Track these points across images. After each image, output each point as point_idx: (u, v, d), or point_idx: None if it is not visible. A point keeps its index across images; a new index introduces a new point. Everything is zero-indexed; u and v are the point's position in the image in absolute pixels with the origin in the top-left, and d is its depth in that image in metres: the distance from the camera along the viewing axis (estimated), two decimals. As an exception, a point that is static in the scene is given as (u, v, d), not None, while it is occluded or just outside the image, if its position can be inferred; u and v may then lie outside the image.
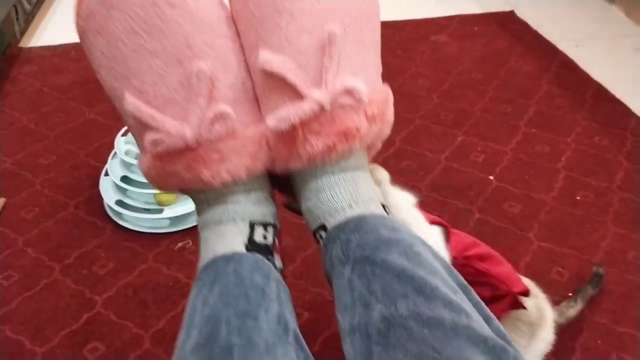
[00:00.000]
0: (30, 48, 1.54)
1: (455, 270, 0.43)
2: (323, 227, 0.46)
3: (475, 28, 1.65)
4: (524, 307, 0.64)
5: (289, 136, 0.45)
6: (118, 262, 0.93)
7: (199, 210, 0.50)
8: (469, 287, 0.42)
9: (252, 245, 0.46)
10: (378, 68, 0.49)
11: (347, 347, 0.40)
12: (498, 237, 0.97)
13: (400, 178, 1.11)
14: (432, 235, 0.59)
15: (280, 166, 0.47)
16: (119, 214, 0.99)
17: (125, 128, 1.04)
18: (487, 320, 0.40)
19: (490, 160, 1.15)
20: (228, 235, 0.46)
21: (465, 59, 1.50)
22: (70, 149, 1.18)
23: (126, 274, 0.91)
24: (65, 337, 0.81)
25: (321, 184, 0.47)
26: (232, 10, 0.47)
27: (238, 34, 0.47)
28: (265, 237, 0.48)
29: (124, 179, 0.98)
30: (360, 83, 0.44)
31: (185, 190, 0.50)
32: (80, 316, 0.84)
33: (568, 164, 1.13)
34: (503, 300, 0.62)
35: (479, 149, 1.18)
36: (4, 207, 1.04)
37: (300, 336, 0.42)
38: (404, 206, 0.59)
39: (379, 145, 0.52)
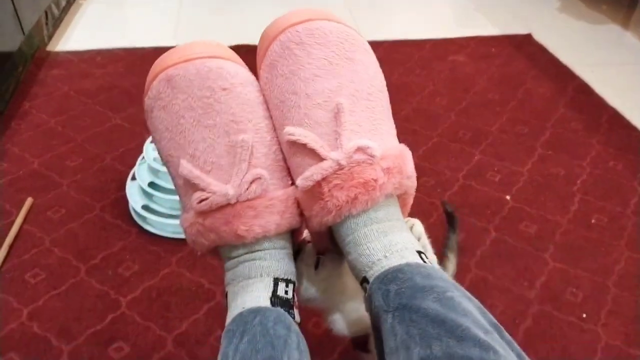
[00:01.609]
0: (58, 52, 1.58)
1: (487, 311, 0.48)
2: (366, 280, 0.53)
3: (493, 49, 1.68)
4: None
5: (317, 193, 0.52)
6: (142, 264, 0.96)
7: (229, 266, 0.57)
8: (500, 326, 0.47)
9: (275, 299, 0.53)
10: (390, 130, 0.56)
11: None
12: (514, 256, 0.99)
13: (418, 194, 1.13)
14: None
15: (315, 222, 0.54)
16: (144, 218, 1.02)
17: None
18: (519, 356, 0.44)
19: (507, 180, 1.17)
20: (255, 289, 0.54)
21: (482, 79, 1.53)
22: (97, 153, 1.21)
23: (150, 276, 0.94)
24: (91, 336, 0.84)
25: (357, 237, 0.53)
26: (263, 95, 0.57)
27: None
28: (286, 292, 0.55)
29: (151, 184, 1.01)
30: (371, 142, 0.52)
31: (219, 247, 0.56)
32: (105, 316, 0.87)
33: (583, 187, 1.16)
34: None
35: (495, 168, 1.20)
36: (31, 207, 1.07)
37: None
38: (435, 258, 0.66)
39: (409, 200, 0.59)
